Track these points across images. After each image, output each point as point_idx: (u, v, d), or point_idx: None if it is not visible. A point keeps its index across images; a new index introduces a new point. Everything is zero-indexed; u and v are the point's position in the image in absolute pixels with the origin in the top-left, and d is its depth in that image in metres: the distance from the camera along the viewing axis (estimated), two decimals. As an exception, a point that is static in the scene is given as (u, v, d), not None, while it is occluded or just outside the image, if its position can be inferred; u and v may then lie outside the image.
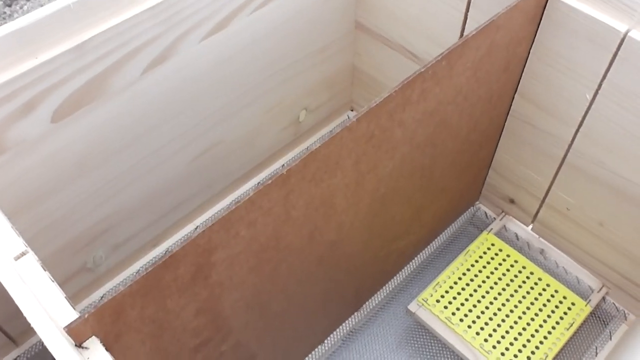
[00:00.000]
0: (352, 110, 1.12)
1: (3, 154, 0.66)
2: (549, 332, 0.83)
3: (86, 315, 0.43)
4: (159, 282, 0.48)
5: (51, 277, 0.47)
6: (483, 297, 0.87)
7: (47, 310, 0.44)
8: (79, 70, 0.67)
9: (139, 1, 0.69)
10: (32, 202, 0.73)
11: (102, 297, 0.89)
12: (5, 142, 0.66)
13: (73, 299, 0.86)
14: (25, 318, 0.78)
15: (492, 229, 0.94)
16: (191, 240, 0.47)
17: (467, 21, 0.80)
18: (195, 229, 0.96)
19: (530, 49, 0.75)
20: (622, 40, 0.66)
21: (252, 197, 0.50)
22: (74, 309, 0.45)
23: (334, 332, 0.86)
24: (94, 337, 0.45)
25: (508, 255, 0.91)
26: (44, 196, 0.73)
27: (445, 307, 0.85)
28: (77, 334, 0.43)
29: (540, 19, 0.71)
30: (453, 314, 0.85)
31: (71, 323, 0.42)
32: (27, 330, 0.83)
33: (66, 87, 0.67)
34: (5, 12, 1.73)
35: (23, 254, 0.49)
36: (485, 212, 0.98)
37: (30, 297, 0.45)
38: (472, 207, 0.99)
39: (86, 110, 0.70)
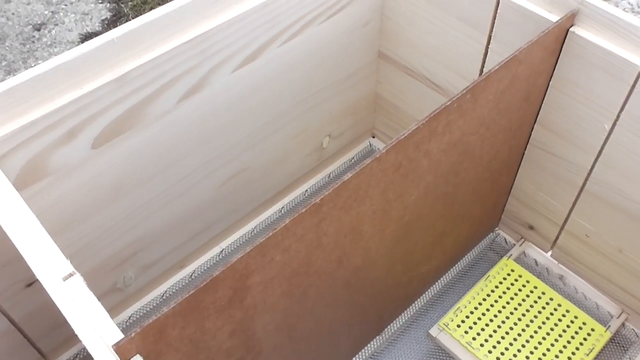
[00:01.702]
0: (373, 137, 1.14)
1: (45, 178, 0.70)
2: (569, 358, 0.85)
3: (132, 335, 0.46)
4: (199, 304, 0.51)
5: (100, 291, 0.50)
6: (503, 322, 0.88)
7: (96, 329, 0.47)
8: (119, 100, 0.70)
9: (176, 35, 0.73)
10: (70, 224, 0.76)
11: (130, 317, 0.92)
12: (49, 167, 0.69)
13: (104, 318, 0.89)
14: (56, 335, 0.82)
15: (511, 254, 0.96)
16: (230, 264, 0.50)
17: (488, 53, 0.83)
18: (221, 252, 0.99)
19: (550, 80, 0.77)
20: (639, 73, 0.68)
21: (287, 224, 0.52)
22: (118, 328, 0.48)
23: (357, 355, 0.88)
24: (138, 355, 0.47)
25: (528, 281, 0.93)
26: (81, 219, 0.77)
27: (466, 332, 0.87)
28: (124, 352, 0.46)
29: (560, 52, 0.74)
30: (474, 338, 0.86)
31: (119, 341, 0.45)
32: (58, 347, 0.86)
33: (107, 115, 0.70)
34: (34, 36, 1.79)
35: (71, 274, 0.52)
36: (505, 238, 0.99)
37: (80, 316, 0.47)
38: (492, 233, 1.01)
39: (124, 137, 0.74)
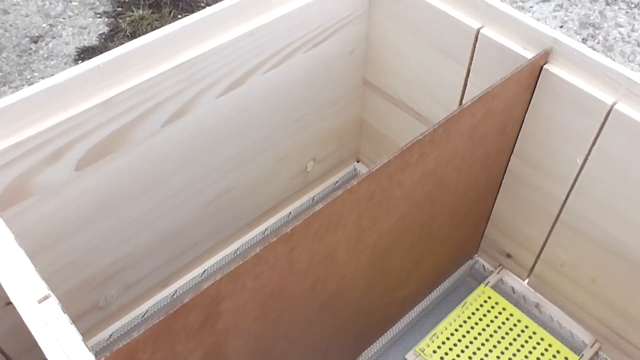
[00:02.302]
0: (358, 162, 1.16)
1: (29, 198, 0.71)
2: (542, 385, 0.86)
3: (102, 359, 0.47)
4: (169, 328, 0.52)
5: (70, 320, 0.51)
6: (479, 349, 0.90)
7: (67, 352, 0.48)
8: (104, 123, 0.72)
9: (163, 61, 0.75)
10: (52, 243, 0.77)
11: (110, 336, 0.93)
12: (32, 188, 0.71)
13: (84, 336, 0.90)
14: (36, 353, 0.82)
15: (489, 281, 0.97)
16: (201, 291, 0.52)
17: (467, 85, 0.85)
18: (204, 272, 1.00)
19: (526, 113, 0.79)
20: (609, 111, 0.70)
21: (258, 252, 0.54)
22: (90, 350, 0.49)
23: (334, 377, 0.89)
24: (108, 378, 0.49)
25: (504, 309, 0.94)
26: (63, 238, 0.78)
27: (442, 358, 0.88)
28: (94, 375, 0.47)
29: (535, 87, 0.76)
30: (449, 363, 0.88)
31: (89, 365, 0.46)
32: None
33: (91, 138, 0.72)
34: (31, 48, 1.81)
35: (46, 297, 0.53)
36: (483, 265, 1.01)
37: (52, 339, 0.49)
38: (470, 260, 1.02)
39: (108, 159, 0.76)
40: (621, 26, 1.88)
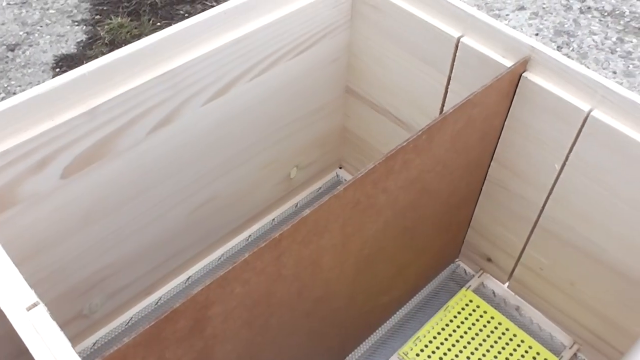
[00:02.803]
0: (340, 168, 1.18)
1: (14, 206, 0.71)
2: (523, 387, 0.88)
3: (94, 364, 0.48)
4: (159, 334, 0.52)
5: (60, 328, 0.51)
6: (461, 351, 0.91)
7: (57, 359, 0.48)
8: (90, 132, 0.73)
9: (149, 69, 0.75)
10: (37, 251, 0.77)
11: (94, 343, 0.93)
12: (18, 196, 0.71)
13: (69, 344, 0.90)
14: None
15: (470, 285, 0.99)
16: (191, 297, 0.52)
17: (448, 93, 0.87)
18: (188, 279, 1.00)
19: (505, 121, 0.81)
20: (586, 118, 0.72)
21: (247, 258, 0.55)
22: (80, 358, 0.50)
23: (319, 382, 0.90)
24: (99, 384, 0.49)
25: (485, 312, 0.96)
26: (49, 246, 0.78)
27: (425, 360, 0.90)
28: (85, 382, 0.48)
29: (514, 95, 0.78)
30: (432, 367, 0.89)
31: (80, 371, 0.47)
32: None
33: (77, 146, 0.72)
34: (8, 56, 1.80)
35: (35, 304, 0.53)
36: (465, 269, 1.03)
37: (42, 346, 0.49)
38: (452, 264, 1.04)
39: (94, 167, 0.76)
40: (595, 34, 1.93)
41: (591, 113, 0.72)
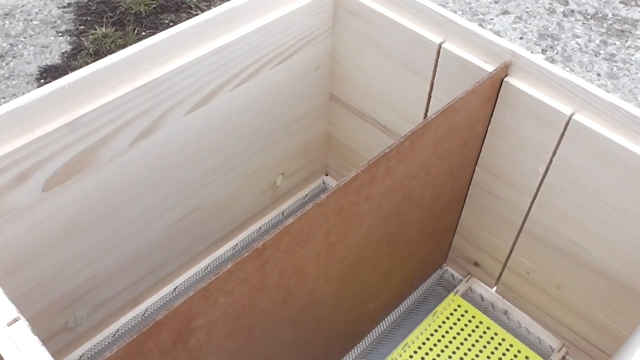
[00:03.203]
0: (326, 175, 1.18)
1: (-5, 221, 0.71)
2: (512, 391, 0.88)
3: (74, 380, 0.47)
4: (142, 347, 0.52)
5: (41, 342, 0.51)
6: (450, 357, 0.91)
7: (38, 376, 0.48)
8: (70, 144, 0.72)
9: (129, 80, 0.75)
10: (20, 265, 0.76)
11: (80, 357, 0.92)
12: (-2, 210, 0.70)
13: (54, 357, 0.89)
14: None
15: (458, 290, 0.99)
16: (173, 309, 0.52)
17: (431, 99, 0.87)
18: (174, 289, 1.00)
19: (488, 126, 0.82)
20: (568, 122, 0.73)
21: (230, 268, 0.54)
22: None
23: (307, 391, 0.89)
24: (80, 400, 0.48)
25: (473, 316, 0.96)
26: (31, 260, 0.77)
27: (413, 367, 0.90)
28: (66, 398, 0.47)
29: (496, 100, 0.78)
30: (421, 373, 0.89)
31: (61, 388, 0.46)
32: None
33: (58, 159, 0.72)
34: (-9, 69, 1.79)
35: (15, 320, 0.53)
36: (452, 274, 1.03)
37: (22, 362, 0.48)
38: (439, 270, 1.04)
39: (75, 179, 0.75)
40: (578, 37, 1.94)
41: (573, 116, 0.72)
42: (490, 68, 0.77)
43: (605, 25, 1.99)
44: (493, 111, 0.80)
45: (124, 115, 0.76)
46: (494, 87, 0.76)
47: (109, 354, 0.50)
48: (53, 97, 0.69)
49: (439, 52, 0.81)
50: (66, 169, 0.74)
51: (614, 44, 1.92)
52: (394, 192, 0.71)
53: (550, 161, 0.78)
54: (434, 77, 0.84)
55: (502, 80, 0.76)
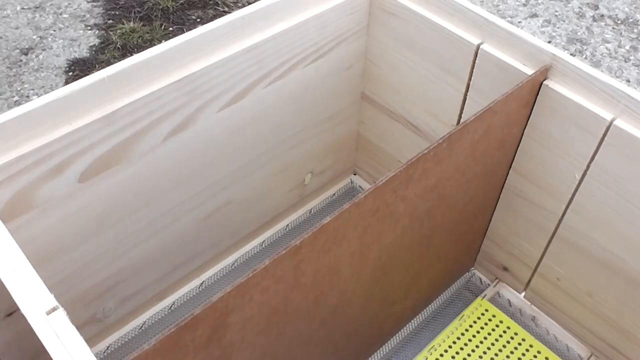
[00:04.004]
0: (355, 174, 1.17)
1: (31, 210, 0.71)
2: (539, 398, 0.87)
3: (113, 372, 0.47)
4: (178, 341, 0.52)
5: (76, 327, 0.51)
6: (476, 361, 0.90)
7: (77, 366, 0.48)
8: (107, 137, 0.72)
9: (166, 75, 0.75)
10: (53, 256, 0.77)
11: (108, 347, 0.92)
12: (35, 200, 0.71)
13: (81, 349, 0.89)
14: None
15: (486, 294, 0.98)
16: (211, 304, 0.52)
17: (467, 100, 0.86)
18: (201, 284, 1.00)
19: (524, 129, 0.81)
20: (608, 127, 0.72)
21: (267, 265, 0.54)
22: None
23: (332, 391, 0.89)
24: (117, 392, 0.49)
25: (501, 321, 0.95)
26: (64, 251, 0.78)
27: (440, 370, 0.89)
28: (104, 390, 0.47)
29: (534, 103, 0.77)
30: (447, 377, 0.88)
31: (100, 379, 0.46)
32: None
33: (94, 151, 0.72)
34: (21, 60, 1.80)
35: (54, 309, 0.53)
36: (480, 278, 1.02)
37: (63, 351, 0.49)
38: (467, 273, 1.03)
39: (110, 172, 0.76)
40: (608, 42, 1.91)
41: (614, 122, 0.71)
42: (528, 71, 0.76)
43: (636, 30, 1.96)
44: (530, 115, 0.79)
45: (159, 110, 0.76)
46: (532, 90, 0.75)
47: (147, 347, 0.50)
48: (91, 90, 0.69)
49: (476, 54, 0.80)
50: (102, 162, 0.74)
51: (645, 50, 1.89)
52: (429, 194, 0.70)
53: (588, 167, 0.77)
54: (470, 79, 0.83)
55: (541, 83, 0.75)
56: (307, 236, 0.57)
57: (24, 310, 0.52)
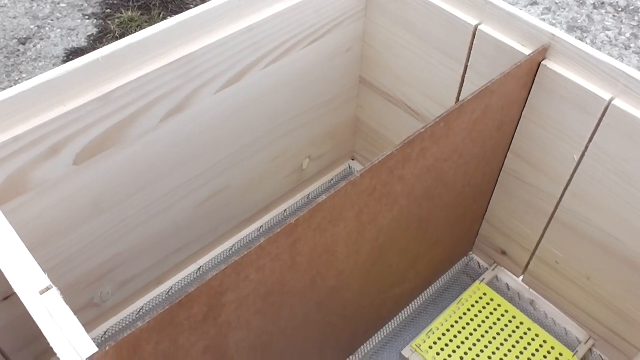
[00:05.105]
0: (353, 160, 1.17)
1: (26, 193, 0.71)
2: (537, 381, 0.87)
3: (107, 349, 0.47)
4: (173, 319, 0.52)
5: (72, 312, 0.51)
6: (474, 344, 0.90)
7: (71, 342, 0.48)
8: (102, 118, 0.72)
9: (161, 56, 0.74)
10: (48, 239, 0.77)
11: (105, 332, 0.92)
12: (30, 182, 0.70)
13: (79, 333, 0.89)
14: (32, 349, 0.82)
15: (484, 278, 0.98)
16: (206, 281, 0.51)
17: (464, 82, 0.86)
18: (199, 269, 1.00)
19: (523, 111, 0.80)
20: (607, 107, 0.71)
21: (262, 243, 0.54)
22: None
23: (330, 375, 0.89)
24: (112, 369, 0.48)
25: (499, 305, 0.94)
26: (60, 234, 0.77)
27: (438, 354, 0.89)
28: (98, 366, 0.47)
29: (532, 84, 0.77)
30: (445, 360, 0.88)
31: (94, 355, 0.46)
32: (33, 362, 0.86)
33: (89, 133, 0.72)
34: (19, 50, 1.80)
35: (48, 288, 0.53)
36: (478, 262, 1.02)
37: (56, 329, 0.48)
38: (465, 257, 1.03)
39: (105, 154, 0.75)
40: (608, 30, 1.90)
41: (612, 102, 0.70)
42: (527, 51, 0.75)
43: (636, 18, 1.95)
44: (528, 96, 0.78)
45: (155, 92, 0.75)
46: (531, 70, 0.74)
47: (141, 324, 0.50)
48: (86, 70, 0.69)
49: (474, 35, 0.80)
50: (97, 144, 0.73)
51: (646, 38, 1.88)
52: (426, 175, 0.70)
53: (586, 148, 0.76)
54: (468, 61, 0.83)
55: (540, 63, 0.75)
56: (303, 214, 0.56)
57: (18, 290, 0.52)
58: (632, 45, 1.85)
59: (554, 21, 1.92)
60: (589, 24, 1.92)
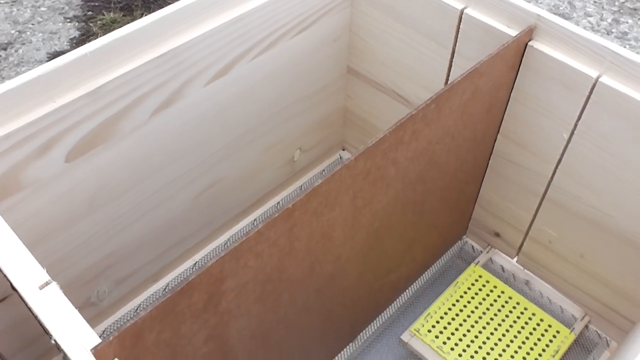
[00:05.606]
0: (343, 150, 1.17)
1: (19, 192, 0.70)
2: (536, 359, 0.88)
3: (111, 339, 0.47)
4: (175, 307, 0.52)
5: (73, 305, 0.51)
6: (472, 326, 0.91)
7: (74, 334, 0.48)
8: (92, 114, 0.71)
9: (149, 49, 0.74)
10: (43, 238, 0.76)
11: (103, 332, 0.92)
12: (22, 181, 0.70)
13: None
14: (30, 351, 0.81)
15: (479, 261, 0.99)
16: (205, 269, 0.51)
17: (452, 67, 0.86)
18: (194, 264, 1.00)
19: (511, 92, 0.81)
20: (594, 85, 0.72)
21: (260, 229, 0.54)
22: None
23: (330, 363, 0.89)
24: (116, 359, 0.48)
25: (495, 287, 0.95)
26: (54, 233, 0.77)
27: (437, 337, 0.89)
28: (102, 356, 0.47)
29: (519, 65, 0.78)
30: (444, 343, 0.89)
31: (97, 345, 0.46)
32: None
33: (80, 129, 0.71)
34: (0, 55, 1.78)
35: (47, 283, 0.53)
36: (472, 246, 1.02)
37: (58, 322, 0.48)
38: (459, 241, 1.03)
39: (97, 150, 0.75)
40: (590, 16, 1.92)
41: (599, 79, 0.71)
42: (513, 33, 0.76)
43: (617, 3, 1.97)
44: (516, 77, 0.79)
45: (144, 85, 0.75)
46: (518, 51, 0.75)
47: (144, 314, 0.50)
48: (74, 66, 0.68)
49: (460, 19, 0.80)
50: (88, 140, 0.73)
51: (626, 22, 1.90)
52: (419, 157, 0.70)
53: (575, 126, 0.77)
54: (455, 45, 0.83)
55: (526, 44, 0.75)
56: (300, 199, 0.56)
57: (18, 285, 0.51)
58: (613, 30, 1.87)
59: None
60: (571, 10, 1.94)
